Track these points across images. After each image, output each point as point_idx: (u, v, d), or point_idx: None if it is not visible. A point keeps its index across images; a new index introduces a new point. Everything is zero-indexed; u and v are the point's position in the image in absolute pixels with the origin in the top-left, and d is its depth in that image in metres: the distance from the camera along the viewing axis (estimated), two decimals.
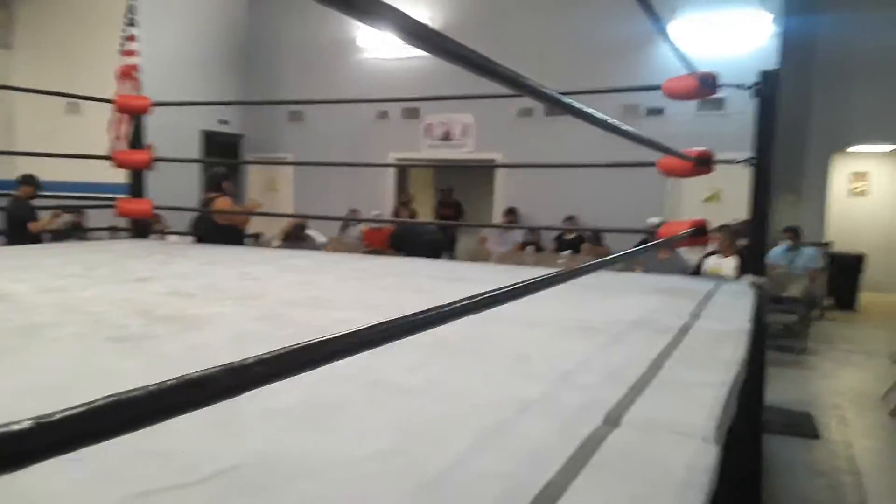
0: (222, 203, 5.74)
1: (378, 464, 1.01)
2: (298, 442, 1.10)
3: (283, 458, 1.04)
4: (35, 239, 5.92)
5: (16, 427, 0.39)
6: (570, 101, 1.15)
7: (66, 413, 0.42)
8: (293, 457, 1.04)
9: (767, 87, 3.22)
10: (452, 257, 10.05)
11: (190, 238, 6.71)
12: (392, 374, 1.45)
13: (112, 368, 1.50)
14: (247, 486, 0.94)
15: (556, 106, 1.14)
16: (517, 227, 9.43)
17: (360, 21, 0.69)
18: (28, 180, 6.24)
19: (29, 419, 0.40)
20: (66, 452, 0.42)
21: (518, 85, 1.03)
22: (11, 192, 6.75)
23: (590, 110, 1.27)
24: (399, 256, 6.72)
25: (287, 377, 0.60)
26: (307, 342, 0.63)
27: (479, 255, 8.45)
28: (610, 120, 1.45)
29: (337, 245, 8.73)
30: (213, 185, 5.87)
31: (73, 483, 0.93)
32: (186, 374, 0.50)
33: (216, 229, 5.66)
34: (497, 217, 9.94)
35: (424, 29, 0.78)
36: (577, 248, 8.56)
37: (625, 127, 1.69)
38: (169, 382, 0.48)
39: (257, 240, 8.56)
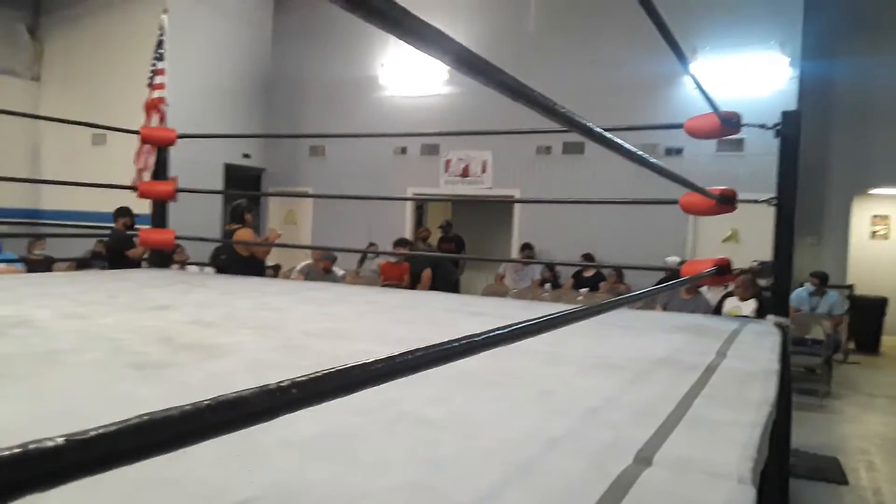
0: (243, 234, 5.78)
1: (405, 497, 0.97)
2: (320, 473, 1.07)
3: (305, 489, 1.01)
4: (136, 265, 6.15)
5: (49, 444, 0.37)
6: (609, 134, 1.14)
7: (100, 431, 0.40)
8: (316, 488, 1.01)
9: (789, 128, 3.22)
10: (457, 291, 10.02)
11: (209, 268, 6.78)
12: (415, 407, 1.42)
13: (132, 395, 1.48)
14: None
15: (590, 137, 1.13)
16: (531, 262, 9.38)
17: (409, 43, 0.69)
18: (124, 212, 6.67)
19: (61, 436, 0.39)
20: (99, 472, 0.40)
21: (553, 113, 1.02)
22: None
23: (623, 143, 1.26)
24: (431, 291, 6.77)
25: (322, 402, 0.58)
26: (342, 367, 0.61)
27: (496, 292, 8.41)
28: (641, 153, 1.43)
29: (355, 278, 8.74)
30: (236, 216, 5.93)
31: None
32: (222, 395, 0.49)
33: (237, 260, 5.69)
34: (514, 253, 9.92)
35: (469, 54, 0.77)
36: (595, 285, 8.49)
37: (654, 160, 1.68)
38: (205, 402, 0.46)
39: (276, 272, 8.58)
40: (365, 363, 0.65)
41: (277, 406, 0.52)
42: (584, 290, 8.29)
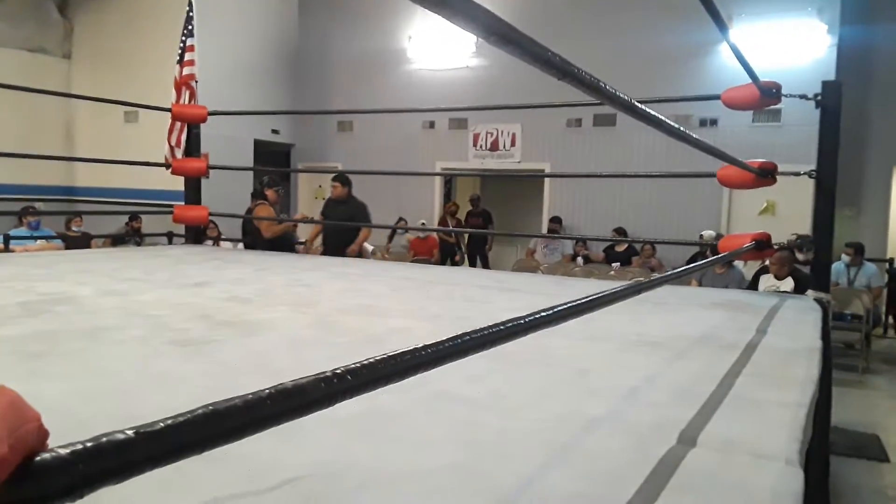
0: (261, 211, 5.84)
1: (448, 477, 0.98)
2: (363, 453, 1.08)
3: (348, 467, 1.02)
4: (272, 244, 6.32)
5: (120, 436, 0.38)
6: (652, 111, 1.12)
7: (168, 423, 0.40)
8: (358, 467, 1.02)
9: (829, 98, 3.13)
10: (486, 266, 9.99)
11: (241, 244, 6.87)
12: (453, 385, 1.42)
13: (176, 372, 1.51)
14: (316, 496, 0.92)
15: (633, 115, 1.10)
16: (556, 237, 9.31)
17: (448, 19, 0.67)
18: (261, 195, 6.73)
19: (131, 428, 0.39)
20: (167, 464, 0.40)
21: (594, 88, 1.00)
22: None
23: (665, 119, 1.23)
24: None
25: (376, 388, 0.58)
26: (393, 352, 0.61)
27: (527, 267, 8.38)
28: (681, 128, 1.40)
29: (384, 254, 8.78)
30: (258, 193, 6.01)
31: (143, 488, 0.92)
32: (280, 384, 0.49)
33: (259, 239, 5.77)
34: (545, 227, 9.86)
35: (507, 28, 0.75)
36: (627, 260, 8.41)
37: (693, 136, 1.65)
38: (265, 391, 0.46)
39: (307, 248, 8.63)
40: (415, 348, 0.65)
41: (334, 394, 0.52)
42: (615, 264, 8.22)
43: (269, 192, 6.07)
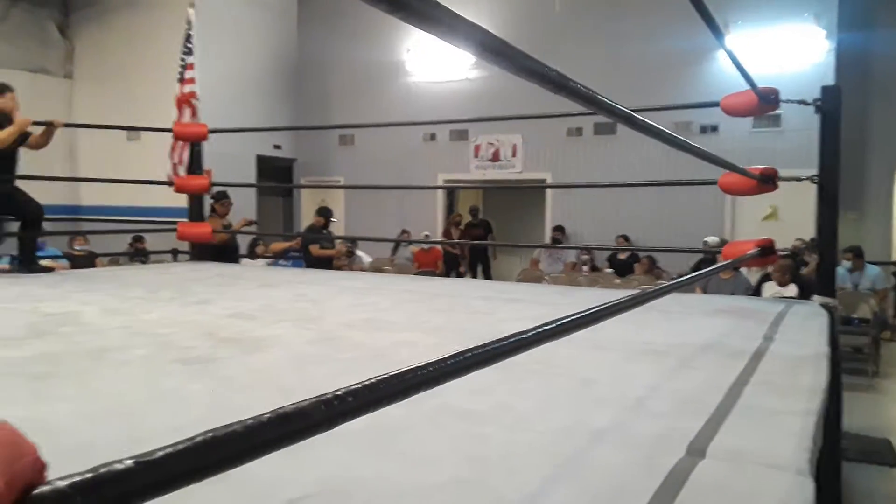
0: (209, 222, 5.95)
1: (453, 492, 0.97)
2: (368, 469, 1.07)
3: (355, 485, 1.01)
4: (320, 262, 6.47)
5: (118, 466, 0.37)
6: (651, 122, 1.12)
7: (168, 451, 0.40)
8: (364, 484, 1.01)
9: (829, 103, 3.13)
10: (488, 276, 9.96)
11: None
12: (458, 398, 1.41)
13: (180, 391, 1.50)
14: None
15: (632, 126, 1.10)
16: (559, 246, 9.30)
17: (440, 37, 0.67)
18: (321, 212, 7.15)
19: (130, 458, 0.38)
20: (167, 492, 0.40)
21: (592, 101, 1.00)
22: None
23: (665, 130, 1.23)
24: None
25: (378, 408, 0.57)
26: (395, 372, 0.61)
27: (532, 277, 8.36)
28: (682, 139, 1.40)
29: (389, 266, 8.77)
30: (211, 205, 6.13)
31: None
32: (281, 408, 0.48)
33: (211, 249, 5.84)
34: (548, 237, 9.86)
35: (502, 44, 0.75)
36: (630, 267, 8.40)
37: (693, 145, 1.64)
38: (265, 416, 0.46)
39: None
40: (417, 367, 0.64)
41: (335, 416, 0.52)
42: (626, 276, 8.19)
43: (218, 206, 6.26)
